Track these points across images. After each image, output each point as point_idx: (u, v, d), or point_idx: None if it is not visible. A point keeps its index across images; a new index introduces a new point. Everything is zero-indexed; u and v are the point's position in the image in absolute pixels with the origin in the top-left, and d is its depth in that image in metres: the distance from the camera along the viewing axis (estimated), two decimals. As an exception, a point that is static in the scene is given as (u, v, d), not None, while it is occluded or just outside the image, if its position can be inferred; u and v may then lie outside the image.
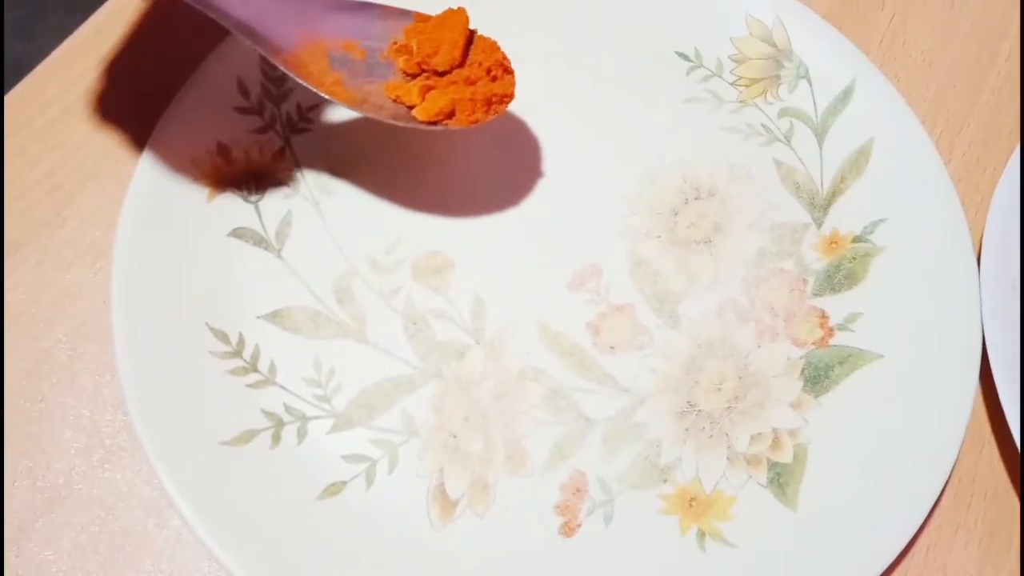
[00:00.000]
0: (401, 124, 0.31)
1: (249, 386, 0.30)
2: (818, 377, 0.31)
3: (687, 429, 0.30)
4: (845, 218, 0.34)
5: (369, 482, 0.29)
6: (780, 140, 0.36)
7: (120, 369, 0.29)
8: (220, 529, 0.27)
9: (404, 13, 0.33)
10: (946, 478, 0.29)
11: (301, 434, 0.30)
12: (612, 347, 0.32)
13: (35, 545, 0.28)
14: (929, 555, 0.30)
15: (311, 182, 0.34)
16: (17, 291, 0.32)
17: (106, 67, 0.37)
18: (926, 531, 0.30)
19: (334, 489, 0.29)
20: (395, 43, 0.33)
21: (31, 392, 0.31)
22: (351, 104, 0.31)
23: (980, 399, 0.32)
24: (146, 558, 0.28)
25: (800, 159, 0.35)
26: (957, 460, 0.30)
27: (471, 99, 0.31)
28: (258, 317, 0.31)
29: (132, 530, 0.29)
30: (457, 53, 0.32)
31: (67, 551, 0.28)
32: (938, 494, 0.29)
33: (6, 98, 0.36)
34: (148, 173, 0.32)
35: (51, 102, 0.36)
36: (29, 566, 0.28)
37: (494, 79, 0.32)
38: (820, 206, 0.35)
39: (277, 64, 0.30)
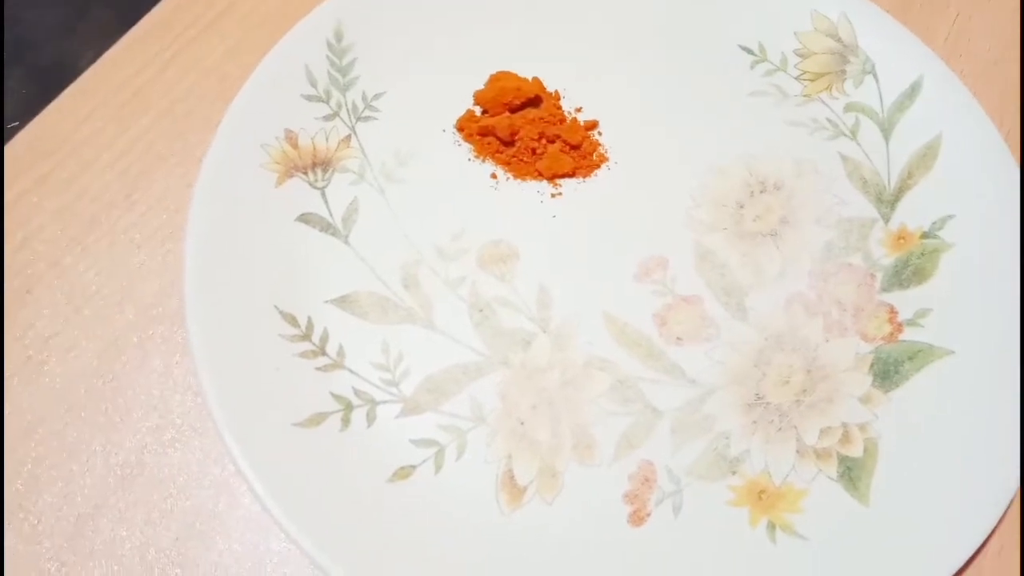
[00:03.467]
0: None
1: (318, 369, 0.30)
2: (888, 372, 0.31)
3: (755, 422, 0.30)
4: (913, 214, 0.34)
5: (438, 466, 0.29)
6: (846, 135, 0.36)
7: (194, 350, 0.29)
8: (293, 509, 0.27)
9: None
10: (1020, 477, 0.29)
11: (370, 418, 0.30)
12: (679, 338, 0.31)
13: (109, 521, 0.28)
14: (1002, 556, 0.29)
15: (377, 170, 0.34)
16: (90, 272, 0.33)
17: (174, 54, 0.37)
18: (999, 532, 0.29)
19: (404, 473, 0.29)
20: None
21: (103, 371, 0.31)
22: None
23: (1051, 398, 0.32)
24: (218, 536, 0.28)
25: (866, 154, 0.35)
26: (1030, 459, 0.29)
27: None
28: (326, 301, 0.32)
29: (203, 509, 0.29)
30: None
31: (140, 528, 0.28)
32: (1013, 494, 0.29)
33: (76, 82, 0.36)
34: (219, 157, 0.33)
35: (122, 86, 0.36)
36: (104, 542, 0.28)
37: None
38: (887, 201, 0.34)
39: None
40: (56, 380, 0.31)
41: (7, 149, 0.35)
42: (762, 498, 0.29)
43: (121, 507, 0.29)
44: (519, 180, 0.34)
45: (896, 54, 0.37)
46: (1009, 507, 0.29)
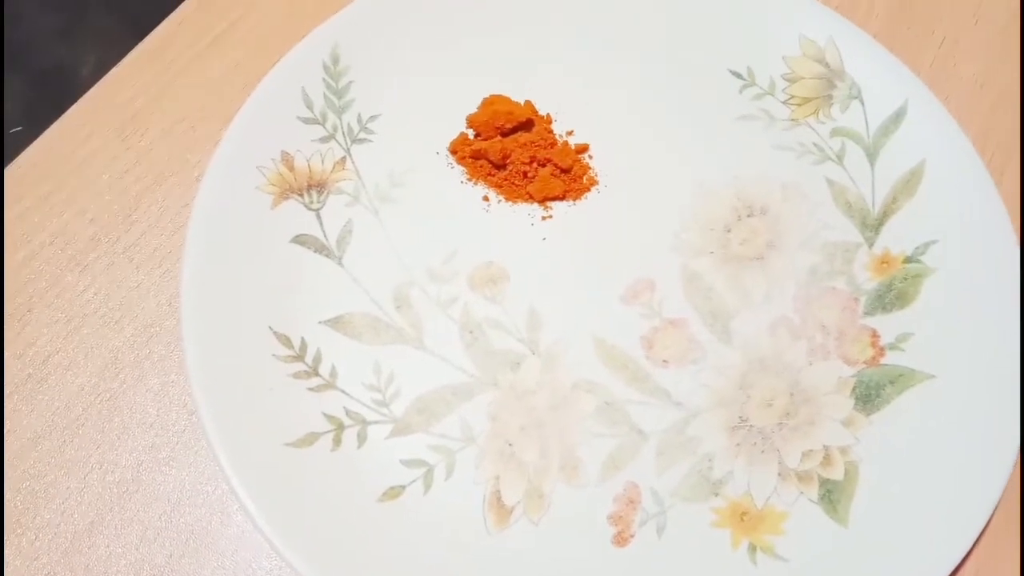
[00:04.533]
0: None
1: (311, 389, 0.31)
2: (869, 396, 0.32)
3: (739, 444, 0.31)
4: (897, 238, 0.35)
5: (427, 486, 0.30)
6: (832, 159, 0.36)
7: (188, 370, 0.30)
8: (284, 528, 0.28)
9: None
10: (997, 500, 0.30)
11: (361, 438, 0.30)
12: (665, 361, 0.32)
13: (105, 538, 0.29)
14: (978, 576, 0.30)
15: (371, 191, 0.35)
16: (89, 292, 0.33)
17: (174, 75, 0.38)
18: (976, 552, 0.30)
19: (393, 493, 0.29)
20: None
21: (101, 389, 0.32)
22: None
23: (1030, 422, 0.32)
24: (211, 555, 0.29)
25: (852, 179, 0.36)
26: (1008, 482, 0.30)
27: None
28: (320, 322, 0.32)
29: (197, 527, 0.30)
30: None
31: (135, 545, 0.29)
32: (989, 514, 0.29)
33: (78, 103, 0.37)
34: (215, 179, 0.33)
35: (122, 106, 0.37)
36: (99, 559, 0.29)
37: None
38: (872, 226, 0.35)
39: None
40: (55, 398, 0.31)
41: (8, 170, 0.36)
42: (744, 520, 0.30)
43: (117, 524, 0.29)
44: (510, 203, 0.35)
45: (882, 79, 0.37)
46: (985, 530, 0.29)
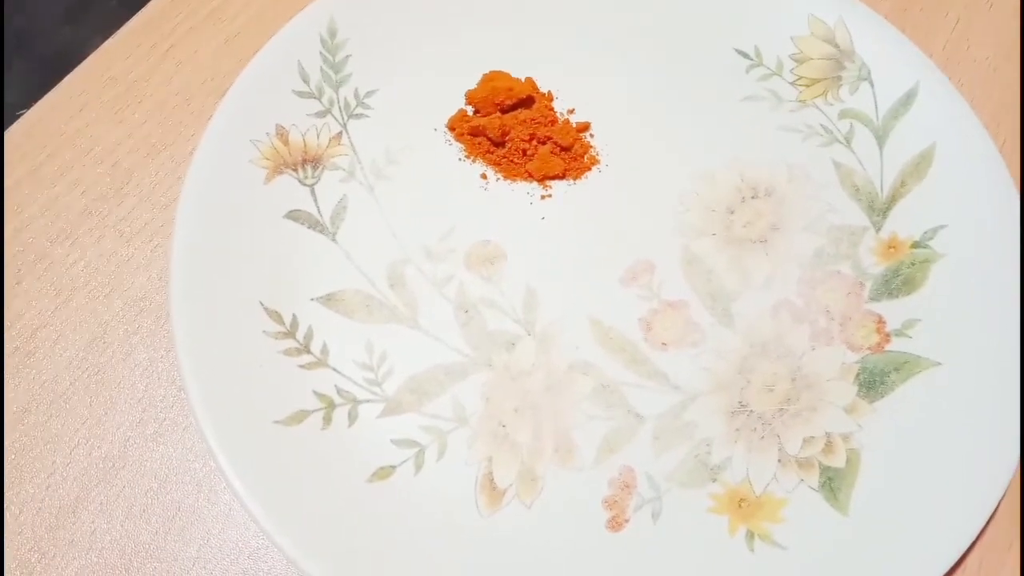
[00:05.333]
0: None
1: (302, 367, 0.30)
2: (873, 383, 0.31)
3: (738, 429, 0.30)
4: (905, 223, 0.34)
5: (418, 467, 0.29)
6: (840, 142, 0.35)
7: (177, 345, 0.29)
8: (271, 507, 0.27)
9: None
10: (1002, 492, 0.29)
11: (352, 417, 0.30)
12: (664, 344, 0.31)
13: (90, 514, 0.29)
14: (981, 571, 0.29)
15: (367, 167, 0.34)
16: (79, 265, 0.33)
17: (169, 48, 0.37)
18: (979, 545, 0.29)
19: (384, 473, 0.29)
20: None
21: (89, 363, 0.31)
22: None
23: (1038, 412, 0.31)
24: (197, 532, 0.29)
25: (860, 161, 0.35)
26: (1013, 474, 0.29)
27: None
28: (312, 299, 0.32)
29: (184, 504, 0.29)
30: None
31: (120, 521, 0.29)
32: (993, 508, 0.29)
33: (72, 73, 0.37)
34: (208, 153, 0.33)
35: (116, 79, 0.36)
36: (84, 534, 0.28)
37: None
38: (879, 210, 0.34)
39: None
40: (42, 371, 0.31)
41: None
42: (742, 507, 0.29)
43: (102, 500, 0.29)
44: (509, 181, 0.34)
45: (892, 61, 0.36)
46: (988, 523, 0.29)
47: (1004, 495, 0.29)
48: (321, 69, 0.36)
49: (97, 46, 0.38)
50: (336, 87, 0.36)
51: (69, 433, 0.30)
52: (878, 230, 0.34)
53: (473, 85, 0.36)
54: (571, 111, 0.36)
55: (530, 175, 0.34)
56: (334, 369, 0.30)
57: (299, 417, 0.29)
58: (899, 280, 0.33)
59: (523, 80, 0.36)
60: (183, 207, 0.32)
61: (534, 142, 0.34)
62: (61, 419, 0.30)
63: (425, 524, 0.28)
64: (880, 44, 0.37)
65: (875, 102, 0.36)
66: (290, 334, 0.31)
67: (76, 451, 0.30)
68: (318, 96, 0.35)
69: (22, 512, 0.29)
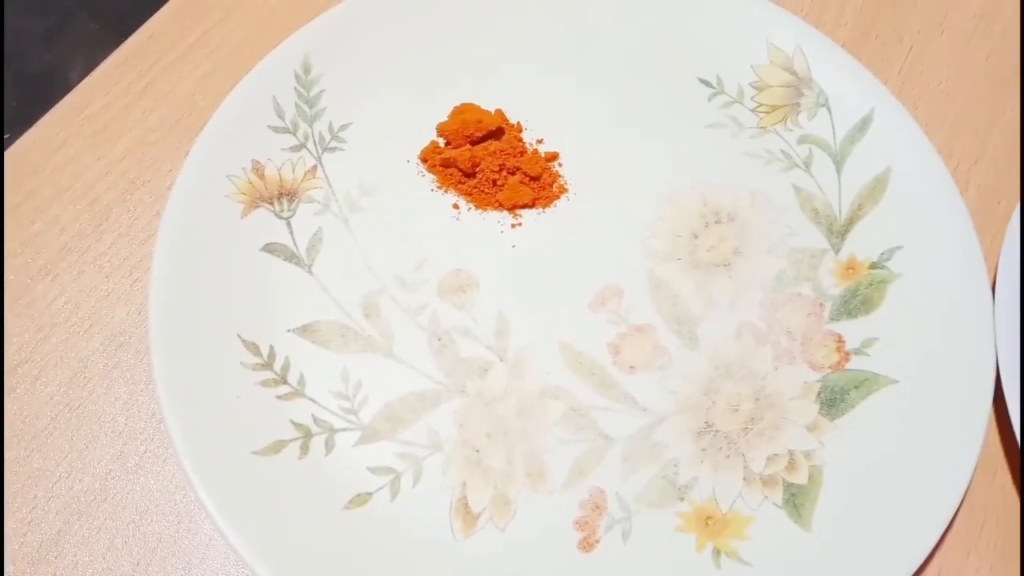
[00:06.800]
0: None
1: (279, 397, 0.31)
2: (834, 400, 0.32)
3: (704, 449, 0.31)
4: (862, 244, 0.35)
5: (394, 494, 0.30)
6: (799, 167, 0.37)
7: (156, 378, 0.30)
8: (250, 537, 0.28)
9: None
10: (959, 503, 0.30)
11: (329, 445, 0.30)
12: (632, 367, 0.32)
13: (72, 547, 0.29)
14: (941, 579, 0.30)
15: (342, 200, 0.35)
16: (59, 300, 0.33)
17: (146, 85, 0.38)
18: (937, 555, 0.30)
19: (360, 500, 0.30)
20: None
21: (69, 398, 0.32)
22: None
23: (993, 425, 0.33)
24: (178, 563, 0.29)
25: (819, 185, 0.36)
26: (970, 485, 0.30)
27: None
28: (289, 330, 0.32)
29: (165, 535, 0.30)
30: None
31: (102, 554, 0.29)
32: (950, 518, 0.30)
33: (51, 112, 0.37)
34: (185, 188, 0.34)
35: (95, 115, 0.37)
36: (67, 567, 0.29)
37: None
38: (838, 232, 0.35)
39: None
40: (23, 407, 0.32)
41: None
42: (709, 524, 0.30)
43: (84, 533, 0.29)
44: (480, 211, 0.35)
45: (849, 88, 0.38)
46: (945, 534, 0.30)
47: (960, 505, 0.30)
48: (296, 104, 0.36)
49: (77, 68, 0.38)
50: (311, 121, 0.36)
51: (51, 467, 0.31)
52: (837, 252, 0.35)
53: (444, 118, 0.37)
54: (540, 141, 0.37)
55: (500, 204, 0.35)
56: (311, 399, 0.31)
57: (277, 447, 0.30)
58: (858, 300, 0.34)
59: (493, 112, 0.37)
60: (161, 242, 0.32)
61: (504, 172, 0.36)
62: (42, 454, 0.31)
63: (402, 549, 0.29)
64: (836, 71, 0.38)
65: (832, 128, 0.37)
66: (267, 365, 0.32)
67: (57, 485, 0.30)
68: (293, 131, 0.36)
69: (5, 547, 0.29)
